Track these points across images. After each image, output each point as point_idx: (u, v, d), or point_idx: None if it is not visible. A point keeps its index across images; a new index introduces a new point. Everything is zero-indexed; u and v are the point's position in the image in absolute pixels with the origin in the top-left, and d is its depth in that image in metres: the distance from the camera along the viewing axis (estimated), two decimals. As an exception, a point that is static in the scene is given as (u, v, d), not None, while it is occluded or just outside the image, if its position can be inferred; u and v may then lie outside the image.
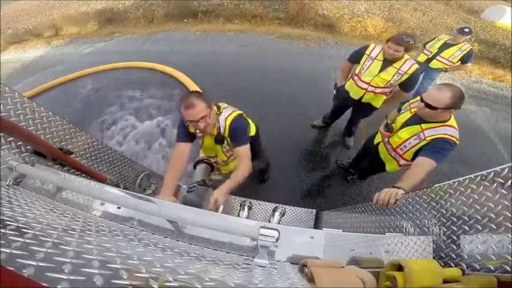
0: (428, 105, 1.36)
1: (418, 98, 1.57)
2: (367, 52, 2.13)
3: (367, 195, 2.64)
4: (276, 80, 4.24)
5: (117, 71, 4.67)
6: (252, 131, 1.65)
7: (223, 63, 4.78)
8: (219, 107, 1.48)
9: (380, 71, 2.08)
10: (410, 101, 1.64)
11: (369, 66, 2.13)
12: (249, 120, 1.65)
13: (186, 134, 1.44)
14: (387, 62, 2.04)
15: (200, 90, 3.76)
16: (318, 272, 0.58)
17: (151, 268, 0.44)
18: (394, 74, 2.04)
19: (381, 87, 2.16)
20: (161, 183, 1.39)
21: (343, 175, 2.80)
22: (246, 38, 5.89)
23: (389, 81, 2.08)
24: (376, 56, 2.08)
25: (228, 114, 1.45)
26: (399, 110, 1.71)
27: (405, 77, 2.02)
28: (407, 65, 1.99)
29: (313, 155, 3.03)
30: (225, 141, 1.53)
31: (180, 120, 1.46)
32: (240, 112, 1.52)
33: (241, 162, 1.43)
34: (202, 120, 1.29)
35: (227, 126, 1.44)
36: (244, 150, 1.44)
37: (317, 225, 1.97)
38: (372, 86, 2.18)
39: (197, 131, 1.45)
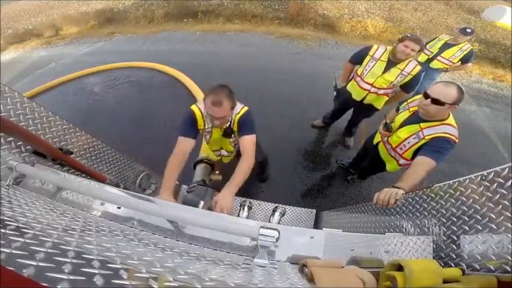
0: (436, 101, 1.34)
1: (417, 97, 1.57)
2: (371, 53, 2.12)
3: (367, 195, 2.64)
4: (276, 80, 4.24)
5: (117, 71, 4.67)
6: None
7: (223, 63, 4.78)
8: None
9: (383, 72, 2.07)
10: (409, 100, 1.64)
11: (372, 67, 2.12)
12: None
13: (192, 129, 1.43)
14: (391, 63, 2.04)
15: (197, 89, 3.76)
16: (318, 272, 0.58)
17: (151, 268, 0.44)
18: (398, 75, 2.03)
19: (383, 88, 2.16)
20: (161, 183, 1.39)
21: (343, 175, 2.79)
22: (246, 38, 5.88)
23: (392, 82, 2.07)
24: (380, 57, 2.07)
25: (239, 109, 1.47)
26: (397, 110, 1.71)
27: (408, 78, 2.02)
28: (411, 66, 1.99)
29: (313, 155, 3.03)
30: (233, 135, 1.55)
31: (187, 113, 1.45)
32: (248, 108, 1.54)
33: (245, 153, 1.41)
34: (222, 120, 1.32)
35: (236, 120, 1.45)
36: (251, 138, 1.43)
37: (317, 225, 1.97)
38: (374, 87, 2.17)
39: (205, 126, 1.47)
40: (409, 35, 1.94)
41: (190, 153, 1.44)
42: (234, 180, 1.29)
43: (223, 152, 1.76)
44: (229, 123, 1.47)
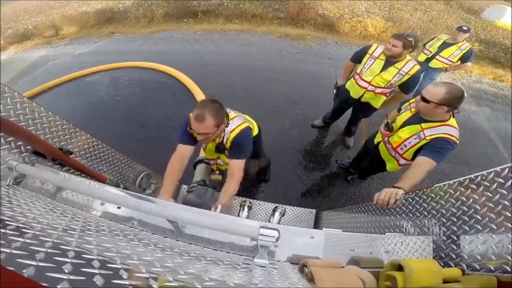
0: (423, 99, 1.39)
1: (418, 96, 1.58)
2: (370, 51, 2.13)
3: (367, 195, 2.64)
4: (276, 80, 4.24)
5: (117, 71, 4.67)
6: (255, 131, 1.64)
7: (223, 63, 4.78)
8: (227, 116, 1.41)
9: (381, 71, 2.08)
10: (411, 101, 1.65)
11: (370, 65, 2.13)
12: (253, 122, 1.64)
13: (189, 136, 1.41)
14: (389, 62, 2.04)
15: (199, 93, 3.76)
16: (318, 272, 0.58)
17: (151, 268, 0.44)
18: (395, 75, 2.03)
19: (381, 87, 2.16)
20: (161, 183, 1.39)
21: (343, 175, 2.79)
22: (246, 38, 5.88)
23: (389, 81, 2.07)
24: (379, 56, 2.08)
25: (235, 126, 1.41)
26: (399, 110, 1.72)
27: (406, 77, 2.02)
28: (409, 66, 1.99)
29: (313, 155, 3.03)
30: (225, 152, 1.51)
31: (184, 121, 1.43)
32: (247, 124, 1.47)
33: (231, 177, 1.39)
34: (203, 135, 1.28)
35: (230, 139, 1.40)
36: (239, 164, 1.39)
37: (317, 225, 1.97)
38: (372, 85, 2.17)
39: None
40: (395, 34, 2.00)
41: (189, 158, 1.43)
42: (221, 200, 1.31)
43: (220, 162, 1.74)
44: (221, 139, 1.43)
